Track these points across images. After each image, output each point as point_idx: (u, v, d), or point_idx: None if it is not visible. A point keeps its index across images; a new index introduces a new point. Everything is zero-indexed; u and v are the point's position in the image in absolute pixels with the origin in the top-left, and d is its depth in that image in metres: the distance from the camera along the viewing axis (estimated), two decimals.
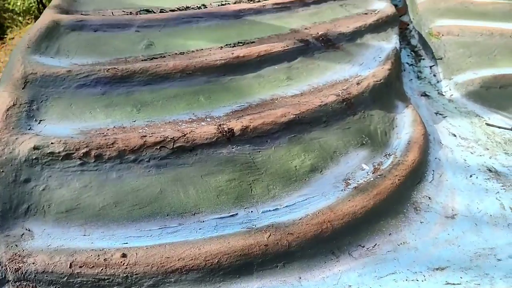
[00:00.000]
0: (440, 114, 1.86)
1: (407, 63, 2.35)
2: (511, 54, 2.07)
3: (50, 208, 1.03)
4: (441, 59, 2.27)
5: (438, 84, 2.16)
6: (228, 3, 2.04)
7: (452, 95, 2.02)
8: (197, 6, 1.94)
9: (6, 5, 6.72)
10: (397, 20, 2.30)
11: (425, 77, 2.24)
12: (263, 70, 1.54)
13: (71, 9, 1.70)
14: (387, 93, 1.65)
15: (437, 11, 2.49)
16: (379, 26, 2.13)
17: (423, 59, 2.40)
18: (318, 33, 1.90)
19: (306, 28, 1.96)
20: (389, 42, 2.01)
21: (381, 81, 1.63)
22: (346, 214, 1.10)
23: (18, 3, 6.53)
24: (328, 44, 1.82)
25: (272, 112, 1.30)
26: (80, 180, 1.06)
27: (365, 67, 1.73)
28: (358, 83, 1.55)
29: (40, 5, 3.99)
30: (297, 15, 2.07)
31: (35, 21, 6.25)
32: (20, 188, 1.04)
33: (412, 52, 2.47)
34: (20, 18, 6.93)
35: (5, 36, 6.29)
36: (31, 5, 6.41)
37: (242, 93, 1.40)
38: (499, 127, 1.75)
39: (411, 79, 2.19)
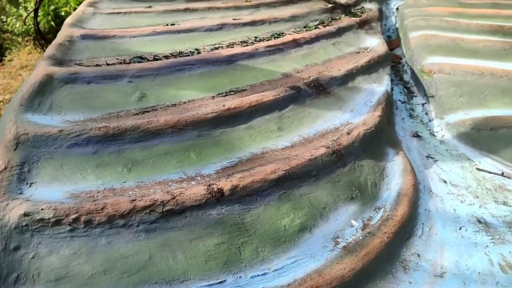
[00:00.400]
0: (431, 157, 1.87)
1: (400, 100, 2.38)
2: (502, 94, 2.09)
3: (40, 276, 1.03)
4: (433, 97, 2.29)
5: (430, 123, 2.18)
6: (222, 46, 2.07)
7: (443, 135, 2.04)
8: (190, 51, 1.97)
9: (5, 26, 6.78)
10: (389, 59, 2.33)
11: (417, 116, 2.26)
12: (254, 120, 1.56)
13: (65, 59, 1.73)
14: (377, 141, 1.67)
15: (428, 47, 2.52)
16: (371, 67, 2.15)
17: (416, 96, 2.43)
18: (310, 77, 1.93)
19: (298, 72, 1.98)
20: (381, 84, 2.04)
21: (372, 129, 1.64)
22: (334, 278, 1.10)
23: (17, 25, 6.59)
24: (319, 90, 1.84)
25: (262, 169, 1.32)
26: (70, 247, 1.07)
27: (356, 114, 1.75)
28: (348, 133, 1.56)
29: (37, 28, 4.02)
30: (290, 57, 2.10)
31: (34, 43, 6.24)
32: (10, 257, 1.05)
33: (404, 89, 2.50)
34: (19, 39, 6.98)
35: (4, 57, 6.34)
36: (30, 26, 6.48)
37: (232, 148, 1.42)
38: (490, 172, 1.76)
39: (403, 118, 2.22)
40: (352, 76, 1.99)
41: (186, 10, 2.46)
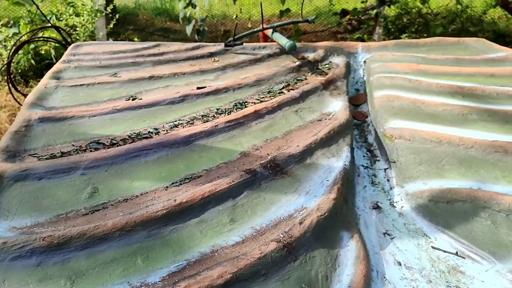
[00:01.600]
0: (389, 234, 1.90)
1: (362, 165, 2.41)
2: (459, 164, 2.13)
3: None
4: (394, 162, 2.33)
5: (391, 191, 2.21)
6: (182, 123, 2.10)
7: (402, 207, 2.07)
8: (148, 132, 1.99)
9: None
10: (350, 127, 2.38)
11: (379, 182, 2.30)
12: (207, 213, 1.57)
13: (19, 149, 1.74)
14: (331, 226, 1.69)
15: (391, 110, 2.58)
16: (331, 139, 2.19)
17: (379, 160, 2.47)
18: (268, 155, 1.96)
19: (257, 149, 2.01)
20: (339, 158, 2.07)
21: (326, 214, 1.67)
22: None
23: None
24: (276, 170, 1.87)
25: (209, 274, 1.32)
26: None
27: (311, 197, 1.78)
28: (301, 222, 1.58)
29: (10, 80, 4.04)
30: (250, 132, 2.13)
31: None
32: None
33: (368, 152, 2.54)
34: None
35: None
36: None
37: (181, 247, 1.43)
38: (444, 251, 1.79)
39: (365, 186, 2.25)
40: (311, 151, 2.02)
41: (150, 78, 2.50)
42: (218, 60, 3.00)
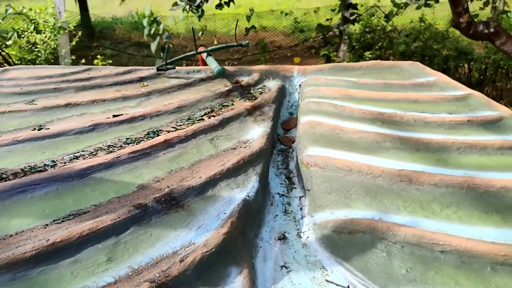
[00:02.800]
0: (286, 267, 1.89)
1: (278, 193, 2.41)
2: (366, 194, 2.15)
3: None
4: (308, 191, 2.34)
5: (301, 220, 2.21)
6: (84, 155, 2.07)
7: (308, 237, 2.07)
8: (44, 164, 1.95)
9: None
10: (265, 155, 2.38)
11: (291, 211, 2.30)
12: (84, 252, 1.54)
13: None
14: (219, 262, 1.67)
15: (312, 136, 2.59)
16: (239, 168, 2.19)
17: (295, 188, 2.48)
18: (167, 187, 1.94)
19: (158, 181, 1.99)
20: (244, 188, 2.07)
21: (213, 250, 1.65)
22: None
23: None
24: (171, 204, 1.85)
25: None
26: None
27: (202, 231, 1.76)
28: (181, 260, 1.56)
29: None
30: (155, 163, 2.11)
31: None
32: None
33: (286, 179, 2.55)
34: None
35: None
36: None
37: None
38: (337, 285, 1.78)
39: (276, 215, 2.24)
40: (214, 182, 2.01)
41: (67, 105, 2.47)
42: (147, 85, 2.99)
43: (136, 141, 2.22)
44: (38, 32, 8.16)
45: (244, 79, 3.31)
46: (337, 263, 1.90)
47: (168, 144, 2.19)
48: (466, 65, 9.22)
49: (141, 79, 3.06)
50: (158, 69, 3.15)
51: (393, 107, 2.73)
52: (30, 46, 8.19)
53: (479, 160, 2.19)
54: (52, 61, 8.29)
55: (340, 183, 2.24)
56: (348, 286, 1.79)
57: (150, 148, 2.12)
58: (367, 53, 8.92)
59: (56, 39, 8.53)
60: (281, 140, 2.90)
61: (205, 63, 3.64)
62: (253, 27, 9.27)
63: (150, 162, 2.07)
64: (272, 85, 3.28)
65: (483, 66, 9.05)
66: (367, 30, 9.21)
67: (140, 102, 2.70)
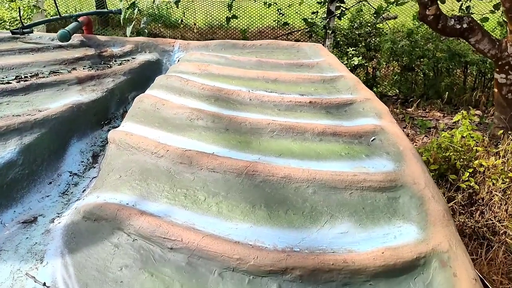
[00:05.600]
0: None
1: (70, 171, 2.10)
2: (139, 176, 1.80)
3: None
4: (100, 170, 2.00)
5: (72, 204, 1.89)
6: None
7: (59, 223, 1.77)
8: None
9: None
10: (48, 126, 2.04)
11: (71, 192, 2.01)
12: None
13: None
14: None
15: (133, 111, 2.30)
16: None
17: (94, 167, 2.15)
18: None
19: None
20: None
21: None
22: None
23: None
24: None
25: None
26: None
27: None
28: None
29: None
30: None
31: None
32: None
33: (91, 158, 2.22)
34: None
35: None
36: None
37: None
38: (35, 281, 1.44)
39: (48, 196, 1.94)
40: None
41: None
42: None
43: None
44: (13, 9, 8.06)
45: (113, 50, 2.97)
46: (60, 255, 1.55)
47: None
48: (459, 69, 8.63)
49: None
50: (13, 33, 2.86)
51: (242, 84, 2.36)
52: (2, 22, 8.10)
53: (286, 145, 1.81)
54: None
55: (123, 163, 1.89)
56: (45, 283, 1.43)
57: None
58: (350, 50, 8.44)
59: (30, 18, 8.42)
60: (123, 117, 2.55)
61: (89, 32, 3.33)
62: (234, 16, 8.93)
63: None
64: (143, 58, 2.95)
65: (478, 71, 8.44)
66: (354, 26, 8.72)
67: None
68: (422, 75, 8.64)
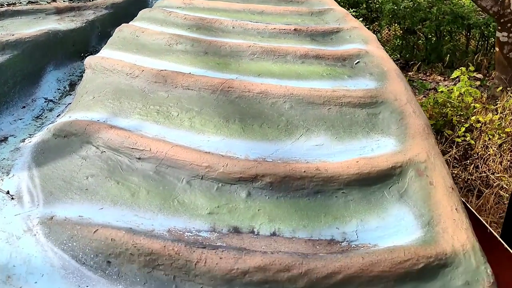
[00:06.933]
0: None
1: (45, 98, 2.03)
2: (112, 96, 1.75)
3: None
4: (71, 95, 1.94)
5: (45, 125, 1.83)
6: None
7: (30, 142, 1.70)
8: None
9: None
10: (17, 50, 1.98)
11: (46, 117, 1.93)
12: None
13: None
14: None
15: (112, 39, 2.22)
16: None
17: (71, 94, 2.09)
18: None
19: None
20: None
21: None
22: None
23: None
24: None
25: None
26: None
27: None
28: None
29: None
30: None
31: None
32: None
33: (68, 86, 2.16)
34: None
35: None
36: None
37: None
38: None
39: (21, 119, 1.87)
40: None
41: None
42: None
43: None
44: None
45: None
46: (27, 168, 1.51)
47: None
48: (462, 32, 8.45)
49: None
50: None
51: (226, 16, 2.27)
52: None
53: (266, 66, 1.74)
54: None
55: (98, 85, 1.83)
56: (8, 192, 1.39)
57: None
58: (351, 11, 8.25)
59: None
60: None
61: None
62: None
63: None
64: None
65: (480, 34, 8.26)
66: None
67: None
68: (424, 39, 8.47)
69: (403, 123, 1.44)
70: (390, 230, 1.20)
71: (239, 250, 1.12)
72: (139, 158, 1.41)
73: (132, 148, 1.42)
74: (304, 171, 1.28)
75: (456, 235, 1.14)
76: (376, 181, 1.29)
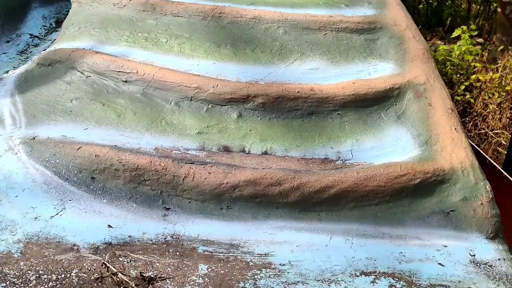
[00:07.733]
0: None
1: (31, 34, 1.95)
2: (99, 25, 1.66)
3: None
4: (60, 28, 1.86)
5: (29, 59, 1.76)
6: None
7: (14, 73, 1.63)
8: None
9: None
10: None
11: (31, 52, 1.85)
12: None
13: None
14: None
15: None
16: None
17: (57, 31, 2.01)
18: None
19: None
20: None
21: None
22: None
23: None
24: None
25: None
26: None
27: None
28: None
29: None
30: None
31: None
32: None
33: (54, 23, 2.07)
34: None
35: None
36: None
37: None
38: None
39: (5, 53, 1.79)
40: None
41: None
42: None
43: None
44: None
45: None
46: (10, 95, 1.45)
47: None
48: None
49: None
50: None
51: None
52: None
53: None
54: None
55: (84, 17, 1.75)
56: None
57: None
58: None
59: None
60: None
61: None
62: None
63: None
64: None
65: None
66: None
67: None
68: (425, 3, 8.30)
69: (402, 48, 1.38)
70: (387, 150, 1.15)
71: (229, 165, 1.08)
72: (125, 81, 1.35)
73: (118, 71, 1.36)
74: (298, 92, 1.23)
75: (455, 153, 1.10)
76: (373, 103, 1.24)
